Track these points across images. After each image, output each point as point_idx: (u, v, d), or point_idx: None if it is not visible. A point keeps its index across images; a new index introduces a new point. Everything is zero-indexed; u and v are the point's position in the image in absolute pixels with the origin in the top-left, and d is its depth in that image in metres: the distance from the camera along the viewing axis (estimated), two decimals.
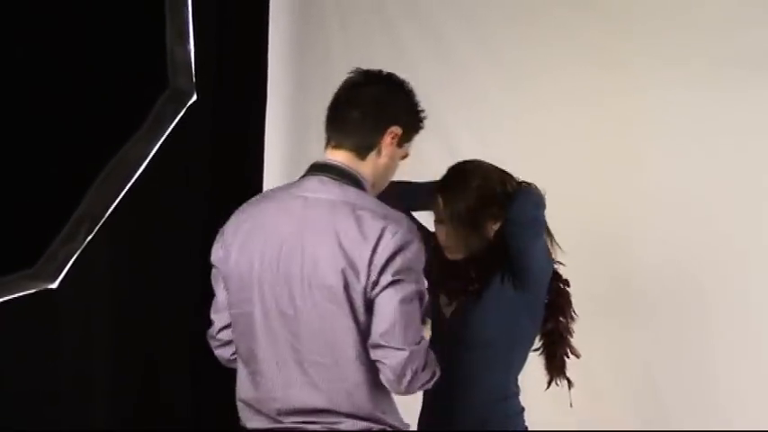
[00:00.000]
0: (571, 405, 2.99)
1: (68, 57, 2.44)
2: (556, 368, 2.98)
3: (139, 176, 2.53)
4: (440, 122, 3.44)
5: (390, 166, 2.55)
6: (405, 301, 2.43)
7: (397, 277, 2.40)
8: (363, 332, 2.40)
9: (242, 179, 3.68)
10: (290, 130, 4.20)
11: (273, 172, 4.07)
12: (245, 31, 3.70)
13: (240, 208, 2.47)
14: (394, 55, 3.93)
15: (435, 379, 2.50)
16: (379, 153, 2.49)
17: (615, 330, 3.90)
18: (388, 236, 2.38)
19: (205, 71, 2.91)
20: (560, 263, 2.94)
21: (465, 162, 2.96)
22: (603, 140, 3.80)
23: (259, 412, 2.50)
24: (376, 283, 2.37)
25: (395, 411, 2.50)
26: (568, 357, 2.97)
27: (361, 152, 2.48)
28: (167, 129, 2.63)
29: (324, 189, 2.42)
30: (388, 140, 2.46)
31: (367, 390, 2.46)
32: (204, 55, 3.20)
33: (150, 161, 2.50)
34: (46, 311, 2.66)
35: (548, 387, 2.97)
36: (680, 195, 3.85)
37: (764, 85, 3.65)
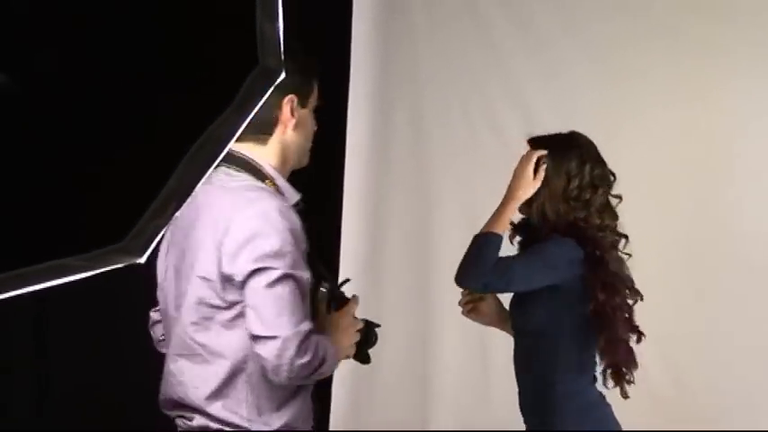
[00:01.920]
0: (628, 396, 2.93)
1: (162, 35, 2.43)
2: (607, 353, 2.90)
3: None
4: (520, 93, 3.39)
5: (306, 136, 2.36)
6: (270, 286, 2.29)
7: (258, 265, 2.25)
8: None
9: (325, 158, 3.68)
10: (374, 110, 4.17)
11: (356, 150, 4.06)
12: (330, 10, 3.69)
13: None
14: (479, 34, 3.88)
15: (323, 367, 2.31)
16: (283, 129, 2.35)
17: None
18: (240, 223, 2.26)
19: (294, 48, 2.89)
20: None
21: (577, 134, 2.93)
22: (680, 117, 3.72)
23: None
24: (239, 272, 2.24)
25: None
26: (620, 341, 2.90)
27: (260, 137, 2.34)
28: (256, 106, 2.60)
29: (218, 180, 2.38)
30: (287, 112, 2.32)
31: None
32: (291, 33, 3.20)
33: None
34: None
35: (603, 373, 2.89)
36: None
37: None
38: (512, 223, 3.02)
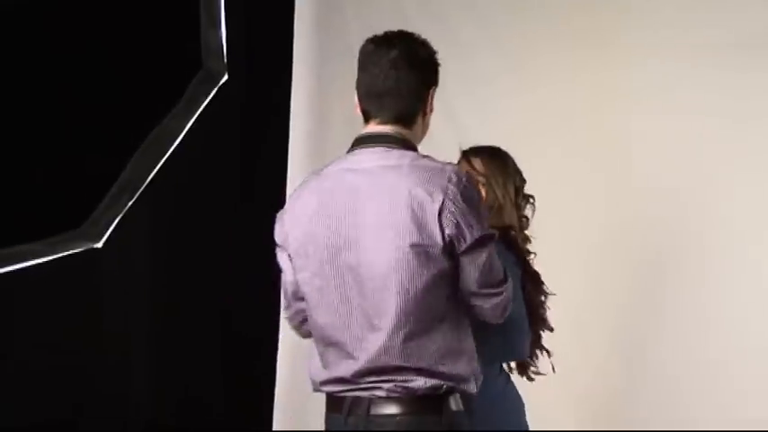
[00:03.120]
0: (554, 370, 3.05)
1: (114, 42, 2.68)
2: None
3: (176, 149, 2.74)
4: (447, 100, 3.64)
5: (428, 123, 2.59)
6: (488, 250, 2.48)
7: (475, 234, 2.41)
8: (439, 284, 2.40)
9: (269, 155, 3.85)
10: (314, 112, 4.39)
11: (297, 144, 4.27)
12: (272, 16, 3.90)
13: (295, 193, 2.48)
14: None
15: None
16: (423, 116, 2.46)
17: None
18: (452, 189, 2.40)
19: (236, 54, 3.13)
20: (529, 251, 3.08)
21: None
22: (596, 117, 3.94)
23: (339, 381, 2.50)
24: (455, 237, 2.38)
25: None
26: (543, 331, 3.11)
27: (407, 123, 2.52)
28: (201, 106, 2.84)
29: (375, 157, 2.40)
30: (429, 103, 2.45)
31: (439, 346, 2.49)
32: (235, 39, 3.40)
33: (185, 135, 2.72)
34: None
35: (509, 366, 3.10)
36: (672, 170, 3.96)
37: (763, 68, 3.78)
38: None
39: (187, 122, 2.84)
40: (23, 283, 2.72)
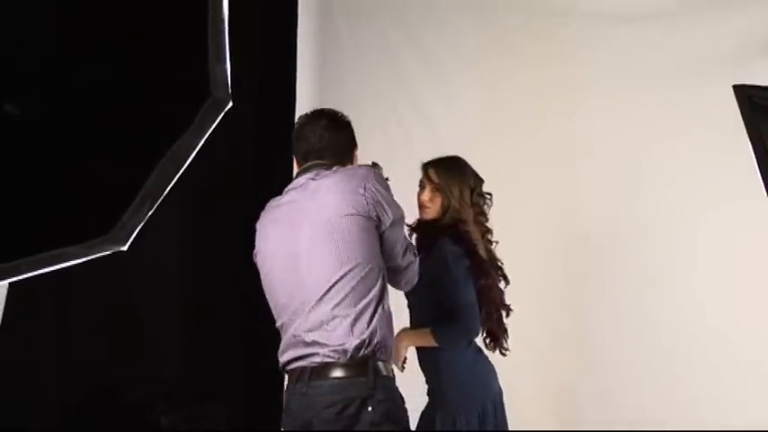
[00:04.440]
0: (505, 354, 3.56)
1: (137, 75, 3.10)
2: (485, 323, 3.53)
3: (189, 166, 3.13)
4: (426, 115, 4.04)
5: None
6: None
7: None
8: None
9: (281, 164, 4.19)
10: None
11: None
12: (275, 49, 4.30)
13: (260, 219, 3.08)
14: (391, 68, 4.53)
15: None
16: (351, 161, 3.13)
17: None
18: (370, 186, 2.94)
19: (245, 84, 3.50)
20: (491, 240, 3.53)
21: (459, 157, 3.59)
22: (543, 130, 4.28)
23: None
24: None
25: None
26: (497, 311, 3.56)
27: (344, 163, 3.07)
28: (210, 129, 3.25)
29: (315, 174, 3.00)
30: (356, 155, 3.12)
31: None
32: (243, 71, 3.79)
33: (197, 154, 3.11)
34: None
35: (485, 340, 3.52)
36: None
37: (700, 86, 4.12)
38: (409, 225, 3.52)
39: (198, 142, 3.21)
40: (61, 282, 3.10)
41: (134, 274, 3.34)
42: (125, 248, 3.01)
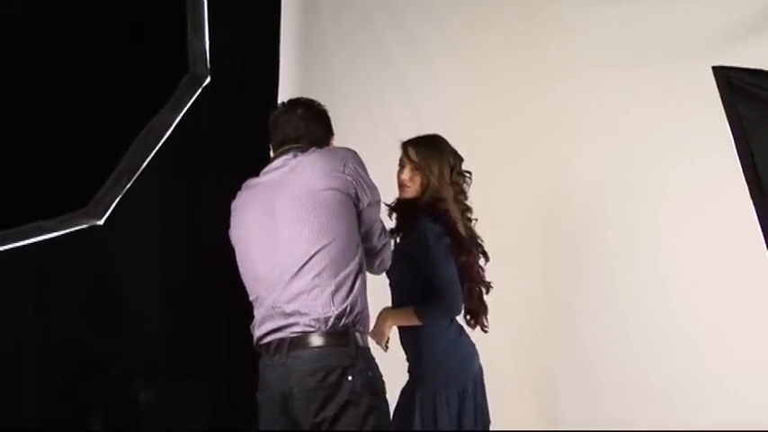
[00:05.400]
0: (486, 331, 3.54)
1: (116, 49, 3.11)
2: (466, 300, 3.48)
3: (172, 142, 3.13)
4: (410, 95, 4.04)
5: None
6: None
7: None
8: None
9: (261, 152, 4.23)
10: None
11: None
12: (258, 30, 4.27)
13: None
14: (376, 48, 4.50)
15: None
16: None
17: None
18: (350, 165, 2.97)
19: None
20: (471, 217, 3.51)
21: (439, 135, 3.60)
22: (527, 112, 4.25)
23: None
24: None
25: None
26: (478, 288, 3.53)
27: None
28: (187, 103, 3.26)
29: (293, 155, 3.01)
30: (331, 142, 3.14)
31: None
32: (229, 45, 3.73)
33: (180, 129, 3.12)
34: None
35: (465, 317, 3.48)
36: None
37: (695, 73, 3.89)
38: (388, 205, 3.50)
39: (175, 117, 3.24)
40: (37, 255, 3.12)
41: (116, 251, 3.35)
42: (101, 223, 3.06)
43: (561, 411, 4.13)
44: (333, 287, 2.91)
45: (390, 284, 3.55)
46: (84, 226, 2.94)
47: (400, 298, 3.52)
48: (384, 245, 3.14)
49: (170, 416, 3.76)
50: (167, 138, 3.17)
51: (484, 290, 3.58)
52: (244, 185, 3.14)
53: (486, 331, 3.58)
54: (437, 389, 3.42)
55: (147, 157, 3.04)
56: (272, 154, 3.12)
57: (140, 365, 3.78)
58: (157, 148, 3.03)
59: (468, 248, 3.50)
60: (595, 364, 4.11)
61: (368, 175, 3.02)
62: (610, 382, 4.07)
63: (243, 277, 3.06)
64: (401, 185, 3.55)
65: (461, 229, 3.51)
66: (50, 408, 3.54)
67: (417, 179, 3.52)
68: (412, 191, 3.54)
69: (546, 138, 4.16)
